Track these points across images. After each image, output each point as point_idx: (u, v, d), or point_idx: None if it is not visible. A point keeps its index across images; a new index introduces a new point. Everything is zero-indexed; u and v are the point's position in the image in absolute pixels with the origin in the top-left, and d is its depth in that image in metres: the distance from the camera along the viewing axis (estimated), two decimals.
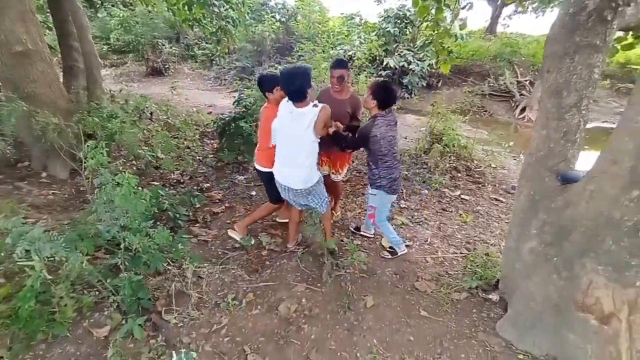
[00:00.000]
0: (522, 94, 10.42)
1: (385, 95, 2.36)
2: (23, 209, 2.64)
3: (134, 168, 3.87)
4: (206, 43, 11.86)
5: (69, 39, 4.51)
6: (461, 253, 2.95)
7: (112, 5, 12.70)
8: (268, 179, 2.52)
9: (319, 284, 2.45)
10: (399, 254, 2.79)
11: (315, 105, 2.14)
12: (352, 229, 3.13)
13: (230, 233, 2.84)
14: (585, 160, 2.19)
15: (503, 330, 2.09)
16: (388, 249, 2.83)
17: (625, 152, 1.49)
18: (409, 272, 2.66)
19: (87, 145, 2.00)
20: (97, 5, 13.59)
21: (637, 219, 1.47)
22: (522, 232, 2.07)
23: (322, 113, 2.14)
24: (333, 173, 3.00)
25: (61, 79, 4.29)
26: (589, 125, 1.92)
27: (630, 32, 2.65)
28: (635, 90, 1.55)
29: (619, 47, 2.76)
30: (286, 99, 2.24)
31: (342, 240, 2.94)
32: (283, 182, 2.34)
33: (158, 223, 2.29)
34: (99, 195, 1.80)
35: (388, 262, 2.75)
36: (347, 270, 2.56)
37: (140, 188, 1.91)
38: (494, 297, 2.37)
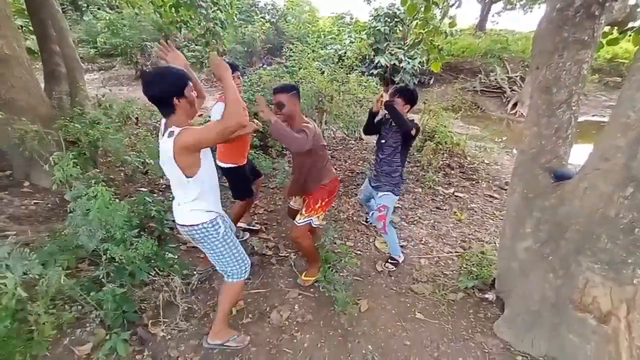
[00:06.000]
0: (513, 90, 10.49)
1: (414, 96, 2.44)
2: (2, 221, 2.54)
3: (122, 174, 3.77)
4: (195, 45, 11.70)
5: (49, 42, 4.37)
6: (456, 252, 2.91)
7: (98, 9, 12.53)
8: (228, 175, 2.50)
9: (312, 289, 2.39)
10: (400, 262, 2.70)
11: (170, 134, 1.42)
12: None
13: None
14: (578, 155, 2.18)
15: (501, 331, 2.05)
16: (390, 260, 2.68)
17: (617, 148, 1.46)
18: (404, 273, 2.61)
19: (52, 158, 1.90)
20: (83, 9, 13.37)
21: (632, 216, 1.44)
22: (516, 230, 2.03)
23: (181, 139, 1.39)
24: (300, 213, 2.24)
25: (43, 85, 4.17)
26: (579, 119, 1.89)
27: (616, 27, 2.64)
28: (625, 85, 1.52)
29: (604, 42, 2.75)
30: None
31: (334, 243, 2.88)
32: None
33: (143, 232, 2.22)
34: (74, 208, 1.71)
35: (380, 261, 2.70)
36: (341, 274, 2.51)
37: (117, 200, 1.82)
38: (491, 296, 2.34)
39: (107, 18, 11.33)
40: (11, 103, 3.10)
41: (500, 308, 2.22)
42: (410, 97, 2.41)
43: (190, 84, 1.48)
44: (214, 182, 1.65)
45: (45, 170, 3.18)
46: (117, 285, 1.90)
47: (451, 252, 2.91)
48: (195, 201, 1.55)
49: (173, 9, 6.51)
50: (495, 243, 3.01)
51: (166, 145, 1.43)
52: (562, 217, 1.75)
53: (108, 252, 1.84)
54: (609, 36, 2.74)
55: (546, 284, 1.81)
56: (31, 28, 4.96)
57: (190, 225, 1.58)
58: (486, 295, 2.34)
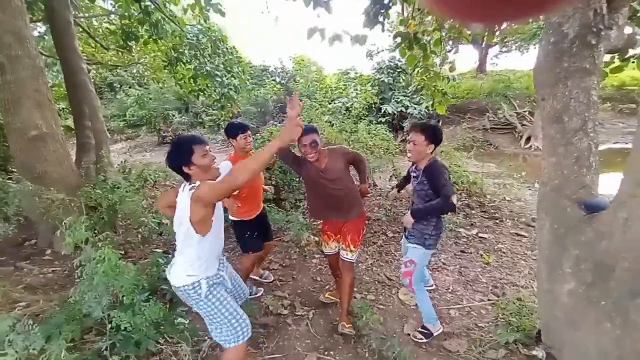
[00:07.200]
0: (523, 125, 10.47)
1: (440, 135, 2.14)
2: (18, 291, 2.54)
3: (139, 236, 3.81)
4: (212, 109, 12.69)
5: (82, 119, 4.86)
6: (489, 300, 2.62)
7: (130, 87, 14.09)
8: (235, 228, 2.53)
9: (332, 352, 2.15)
10: (434, 334, 2.23)
11: (193, 187, 1.52)
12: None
13: None
14: (606, 185, 2.02)
15: None
16: (421, 329, 2.27)
17: None
18: None
19: (64, 222, 1.95)
20: (117, 89, 15.09)
21: None
22: (553, 271, 1.82)
23: (199, 189, 1.47)
24: (343, 249, 2.27)
25: (75, 156, 4.52)
26: (600, 148, 1.79)
27: (617, 55, 2.65)
28: None
29: (607, 71, 2.73)
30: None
31: (355, 297, 2.67)
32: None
33: (153, 295, 2.13)
34: (80, 274, 1.69)
35: (408, 319, 2.45)
36: (363, 332, 2.27)
37: (128, 262, 1.80)
38: (540, 353, 2.02)
39: (136, 94, 12.66)
40: (44, 175, 3.34)
41: None
42: (432, 136, 2.09)
43: (200, 150, 1.55)
44: (215, 253, 1.67)
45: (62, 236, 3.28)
46: (121, 358, 1.77)
47: (483, 301, 2.62)
48: (188, 263, 1.58)
49: (192, 80, 7.21)
50: (532, 287, 2.70)
51: (185, 197, 1.53)
52: (603, 253, 1.56)
53: (114, 319, 1.76)
54: (611, 65, 2.74)
55: (603, 336, 1.54)
56: (70, 109, 5.56)
57: (177, 287, 1.61)
58: (534, 352, 2.03)
